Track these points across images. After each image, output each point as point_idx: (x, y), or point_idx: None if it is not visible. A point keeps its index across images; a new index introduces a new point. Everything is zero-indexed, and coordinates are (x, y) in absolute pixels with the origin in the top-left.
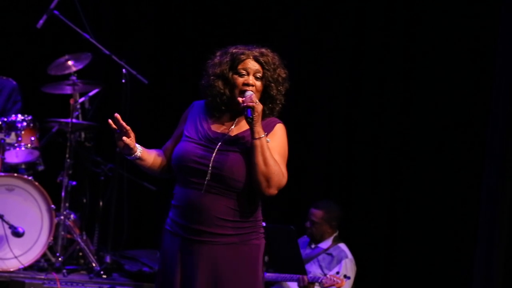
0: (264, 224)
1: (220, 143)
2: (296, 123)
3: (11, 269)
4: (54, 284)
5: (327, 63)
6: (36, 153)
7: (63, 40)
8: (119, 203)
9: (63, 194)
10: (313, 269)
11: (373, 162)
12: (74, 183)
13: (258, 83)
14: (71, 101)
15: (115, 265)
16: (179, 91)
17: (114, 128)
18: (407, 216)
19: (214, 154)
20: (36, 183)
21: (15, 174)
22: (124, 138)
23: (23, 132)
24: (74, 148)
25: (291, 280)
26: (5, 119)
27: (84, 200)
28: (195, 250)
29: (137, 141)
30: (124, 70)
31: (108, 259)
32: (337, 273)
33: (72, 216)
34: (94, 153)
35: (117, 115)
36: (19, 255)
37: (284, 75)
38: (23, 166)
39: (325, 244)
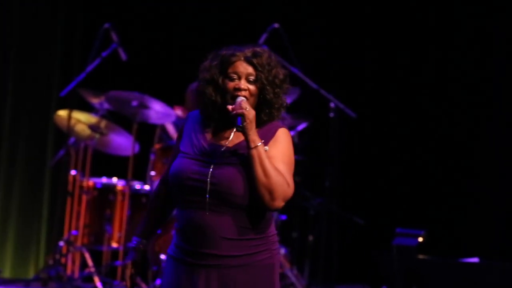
0: (276, 238)
1: (217, 156)
2: None
3: None
4: None
5: None
6: None
7: None
8: (329, 237)
9: None
10: None
11: None
12: (284, 217)
13: (252, 87)
14: None
15: None
16: (388, 124)
17: None
18: None
19: (211, 169)
20: None
21: None
22: None
23: None
24: None
25: None
26: None
27: (294, 235)
28: (202, 277)
29: (347, 172)
30: (332, 104)
31: None
32: None
33: (282, 250)
34: (303, 187)
35: None
36: None
37: (282, 76)
38: None
39: None
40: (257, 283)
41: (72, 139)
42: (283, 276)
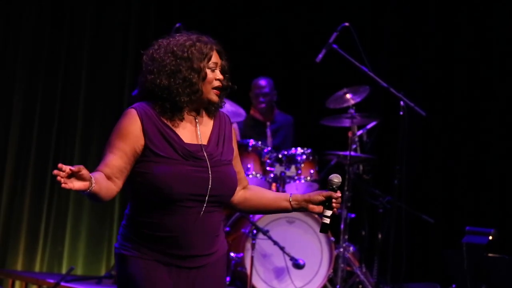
0: None
1: (206, 159)
2: None
3: None
4: None
5: None
6: (316, 185)
7: (341, 74)
8: (398, 235)
9: (342, 226)
10: None
11: None
12: (353, 215)
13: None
14: (349, 134)
15: None
16: (458, 123)
17: (61, 177)
18: None
19: (210, 174)
20: (316, 216)
21: None
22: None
23: (302, 165)
24: (353, 180)
25: None
26: (286, 153)
27: (363, 233)
28: (191, 278)
29: (416, 170)
30: (402, 103)
31: None
32: None
33: (351, 248)
34: (372, 185)
35: (61, 165)
36: (300, 286)
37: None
38: None
39: None
40: (224, 270)
41: None
42: (352, 274)
